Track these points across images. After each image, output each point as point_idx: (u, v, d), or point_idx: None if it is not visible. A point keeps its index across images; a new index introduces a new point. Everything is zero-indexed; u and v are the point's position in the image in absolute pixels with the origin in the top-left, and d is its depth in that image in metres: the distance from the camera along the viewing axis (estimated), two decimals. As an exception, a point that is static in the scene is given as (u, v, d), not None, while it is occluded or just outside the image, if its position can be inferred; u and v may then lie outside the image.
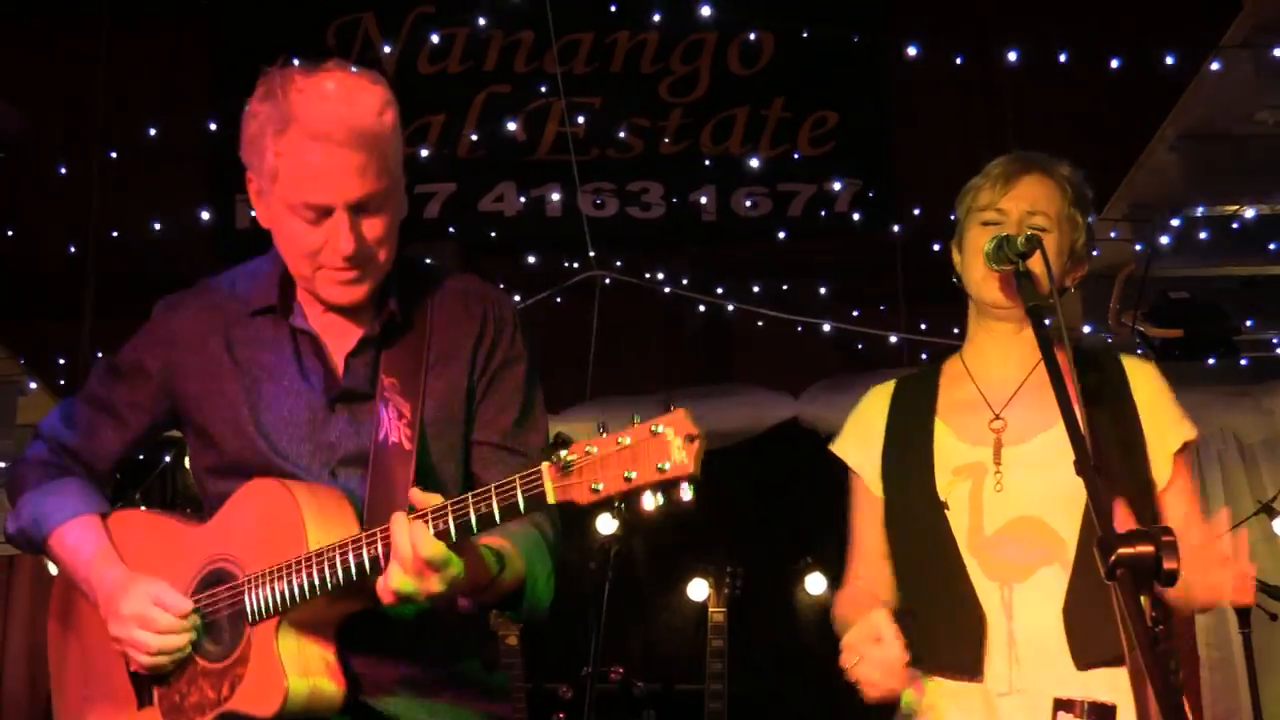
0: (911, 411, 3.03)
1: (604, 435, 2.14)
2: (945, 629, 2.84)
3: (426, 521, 2.29)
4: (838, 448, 3.12)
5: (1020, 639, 2.79)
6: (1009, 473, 2.86)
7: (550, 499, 2.18)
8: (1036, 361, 2.91)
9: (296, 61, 2.62)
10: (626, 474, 2.11)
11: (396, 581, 2.30)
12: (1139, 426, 2.89)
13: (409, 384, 2.64)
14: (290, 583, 2.45)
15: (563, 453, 2.16)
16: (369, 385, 2.65)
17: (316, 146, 2.48)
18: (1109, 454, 2.77)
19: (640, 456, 2.10)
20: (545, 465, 2.18)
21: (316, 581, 2.43)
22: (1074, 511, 2.80)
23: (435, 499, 2.32)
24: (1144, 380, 2.94)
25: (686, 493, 2.11)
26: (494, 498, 2.25)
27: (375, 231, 2.55)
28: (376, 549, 2.36)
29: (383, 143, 2.52)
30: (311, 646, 2.51)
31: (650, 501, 2.12)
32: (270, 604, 2.48)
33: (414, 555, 2.27)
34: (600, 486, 2.13)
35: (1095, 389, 2.87)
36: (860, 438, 3.08)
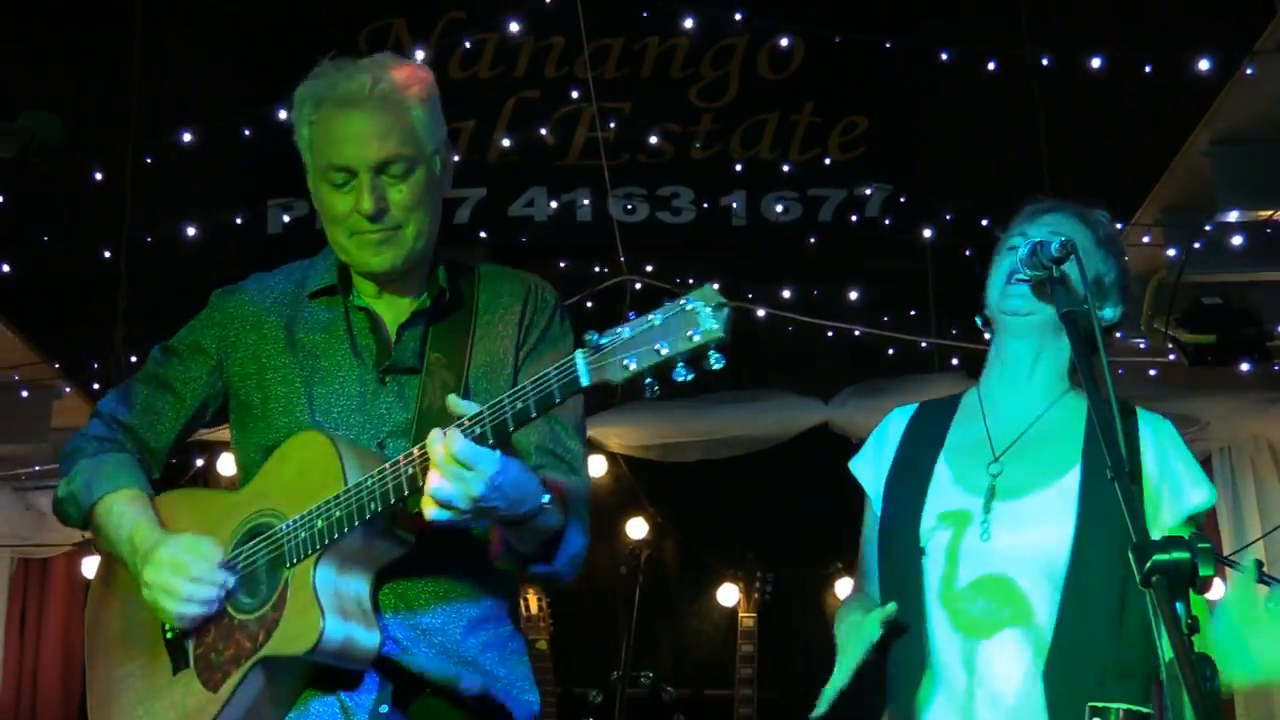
0: (921, 443, 3.01)
1: (635, 317, 2.19)
2: (900, 672, 2.84)
3: (463, 429, 2.34)
4: (855, 465, 3.12)
5: (980, 697, 2.73)
6: (999, 524, 2.81)
7: (584, 380, 2.22)
8: (1047, 406, 2.91)
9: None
10: (659, 346, 2.14)
11: (434, 483, 2.34)
12: (1141, 486, 2.76)
13: (454, 358, 2.73)
14: (330, 517, 2.50)
15: (594, 336, 2.21)
16: (417, 359, 2.74)
17: (342, 112, 2.65)
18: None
19: (671, 330, 2.15)
20: (578, 351, 2.23)
21: (354, 512, 2.47)
22: (1050, 576, 2.75)
23: (472, 407, 2.37)
24: (1159, 436, 2.85)
25: (717, 361, 2.13)
26: (530, 391, 2.29)
27: (400, 197, 2.67)
28: (415, 466, 2.41)
29: (407, 111, 2.68)
30: (349, 589, 2.55)
31: (682, 373, 2.14)
32: (309, 544, 2.52)
33: (445, 454, 2.31)
34: (632, 363, 2.16)
35: (1100, 452, 2.82)
36: (874, 459, 3.08)
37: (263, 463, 2.73)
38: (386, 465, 2.47)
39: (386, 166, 2.65)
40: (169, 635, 2.72)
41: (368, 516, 2.47)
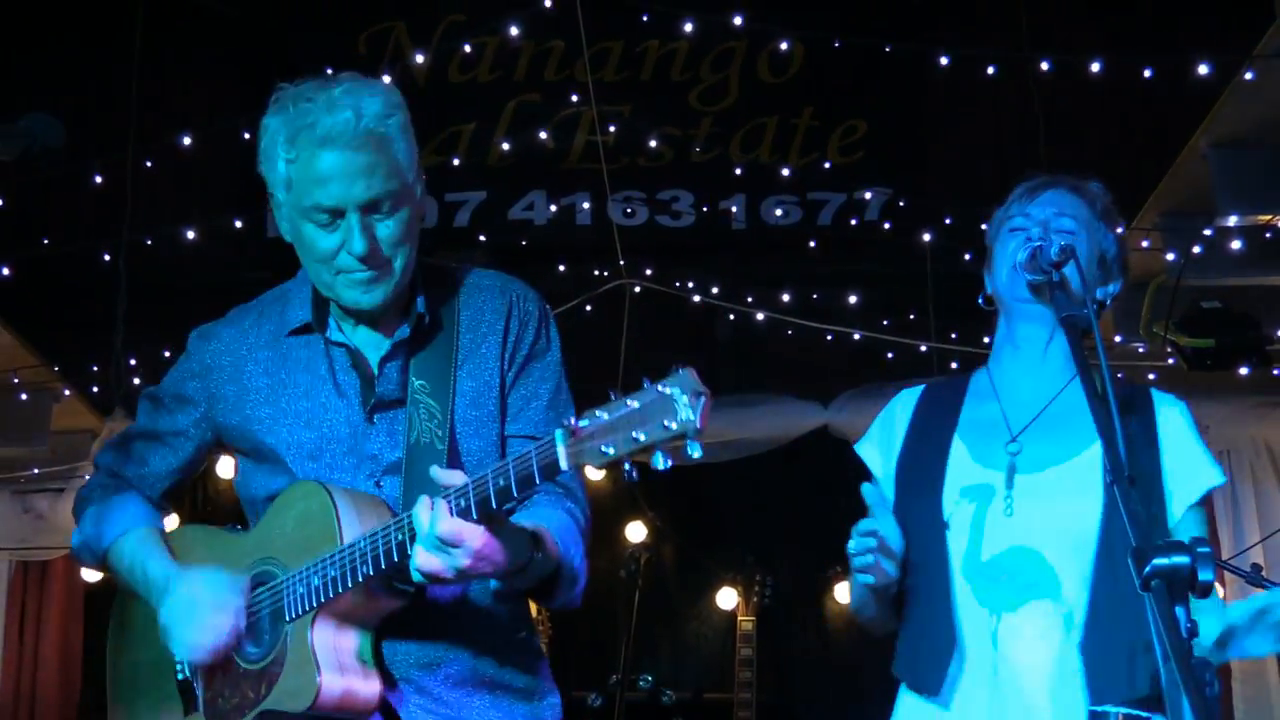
0: (933, 423, 3.01)
1: (614, 399, 2.17)
2: (923, 647, 2.83)
3: (449, 500, 2.33)
4: (861, 448, 3.11)
5: (1003, 671, 2.74)
6: (1022, 499, 2.82)
7: (563, 464, 2.20)
8: (1061, 387, 2.91)
9: (330, 71, 2.68)
10: (635, 434, 2.12)
11: (421, 559, 2.35)
12: (1159, 467, 2.81)
13: (439, 385, 2.68)
14: (325, 575, 2.49)
15: (572, 419, 2.19)
16: (401, 390, 2.69)
17: (324, 150, 2.54)
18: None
19: (649, 417, 2.12)
20: (557, 432, 2.21)
21: (348, 572, 2.47)
22: (1079, 550, 2.76)
23: (458, 478, 2.36)
24: (1173, 419, 2.88)
25: (695, 450, 2.12)
26: (510, 469, 2.27)
27: (389, 233, 2.60)
28: (404, 534, 2.40)
29: (390, 144, 2.58)
30: (346, 644, 2.55)
31: (660, 461, 2.13)
32: (306, 600, 2.52)
33: (429, 533, 2.32)
34: (611, 449, 2.14)
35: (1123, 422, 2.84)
36: (882, 441, 3.07)
37: (264, 506, 2.73)
38: (378, 528, 2.45)
39: (375, 205, 2.57)
40: (180, 677, 2.75)
41: (360, 579, 2.46)
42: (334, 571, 2.48)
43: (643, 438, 2.12)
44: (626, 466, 2.16)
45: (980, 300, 3.06)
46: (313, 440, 2.69)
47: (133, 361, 6.45)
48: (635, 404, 2.14)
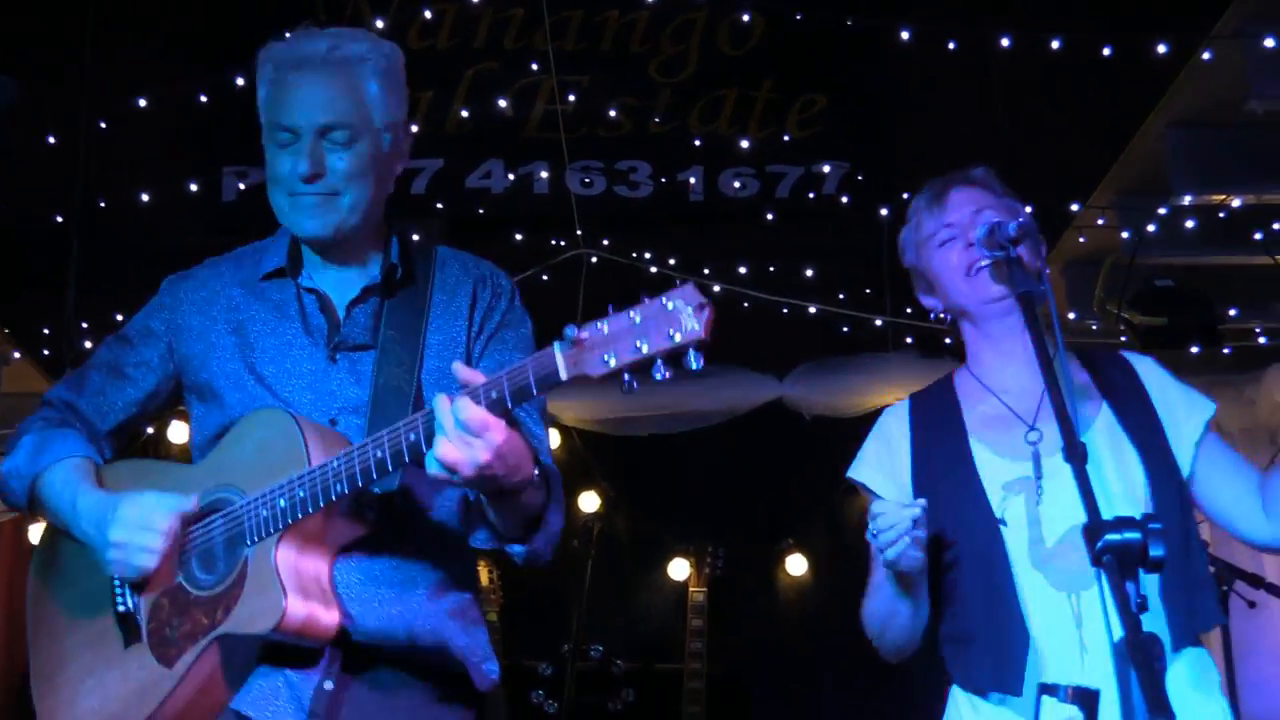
0: (939, 431, 3.00)
1: (612, 313, 2.18)
2: (998, 646, 2.80)
3: (471, 394, 2.33)
4: (858, 473, 3.07)
5: (1092, 645, 2.74)
6: (1051, 481, 2.84)
7: (563, 375, 2.21)
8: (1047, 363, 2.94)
9: (287, 35, 2.78)
10: (638, 344, 2.13)
11: (443, 449, 2.32)
12: (1157, 419, 2.88)
13: (409, 336, 2.71)
14: (293, 496, 2.48)
15: (574, 331, 2.19)
16: (370, 335, 2.73)
17: (295, 73, 2.68)
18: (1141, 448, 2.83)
19: (651, 328, 2.13)
20: (556, 344, 2.22)
21: (319, 493, 2.46)
22: (1133, 506, 2.78)
23: (478, 376, 2.35)
24: (1150, 371, 2.96)
25: (696, 360, 2.12)
26: (505, 381, 2.28)
27: (343, 164, 2.67)
28: (419, 432, 2.38)
29: (360, 80, 2.69)
30: (309, 569, 2.54)
31: (660, 373, 2.14)
32: (270, 523, 2.50)
33: (454, 422, 2.31)
34: (612, 359, 2.15)
35: (1113, 388, 2.89)
36: (883, 461, 3.04)
37: (215, 443, 2.71)
38: (353, 447, 2.45)
39: (329, 132, 2.66)
40: (120, 608, 2.70)
41: (333, 498, 2.45)
42: (303, 493, 2.47)
43: (646, 348, 2.13)
44: (626, 377, 2.16)
45: (933, 318, 3.09)
46: (273, 374, 2.71)
47: (84, 325, 6.39)
48: (637, 316, 2.15)
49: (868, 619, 3.01)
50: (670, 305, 2.13)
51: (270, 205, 2.77)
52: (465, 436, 2.31)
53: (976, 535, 2.85)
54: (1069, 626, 2.77)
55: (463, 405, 2.31)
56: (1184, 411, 2.91)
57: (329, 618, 2.53)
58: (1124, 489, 2.79)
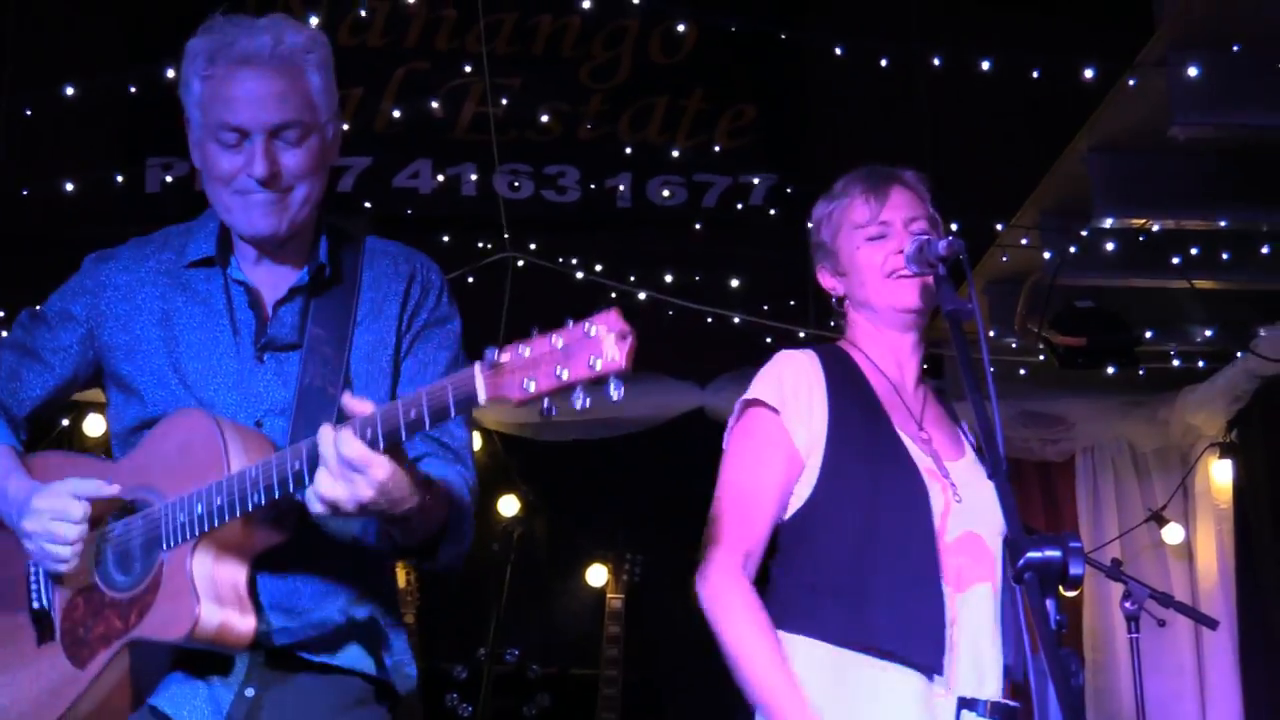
0: (853, 394, 2.95)
1: (535, 336, 2.15)
2: (918, 621, 2.78)
3: (354, 430, 2.28)
4: (761, 392, 2.98)
5: (959, 646, 2.78)
6: (958, 484, 2.87)
7: (481, 398, 2.16)
8: (928, 384, 2.98)
9: None
10: (559, 371, 2.10)
11: (323, 486, 2.28)
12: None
13: (336, 335, 2.67)
14: (210, 503, 2.43)
15: (494, 353, 2.16)
16: (297, 334, 2.68)
17: (240, 70, 2.58)
18: None
19: (573, 355, 2.10)
20: (476, 365, 2.17)
21: (236, 501, 2.40)
22: (994, 539, 2.84)
23: (367, 407, 2.30)
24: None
25: (616, 389, 2.09)
26: (424, 401, 2.22)
27: (294, 162, 2.62)
28: (303, 462, 2.34)
29: (305, 76, 2.63)
30: (225, 576, 2.49)
31: (580, 400, 2.11)
32: (187, 527, 2.45)
33: (336, 456, 2.26)
34: (532, 384, 2.12)
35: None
36: (800, 398, 2.94)
37: (137, 437, 2.67)
38: (273, 456, 2.40)
39: (281, 131, 2.60)
40: (35, 605, 2.65)
41: (249, 508, 2.41)
42: (220, 500, 2.42)
43: (566, 375, 2.09)
44: (545, 403, 2.13)
45: (835, 303, 3.09)
46: (197, 371, 2.66)
47: (1, 314, 6.29)
48: (559, 341, 2.11)
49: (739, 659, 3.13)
50: (593, 331, 2.09)
51: (203, 198, 2.71)
52: (347, 473, 2.27)
53: (902, 504, 2.83)
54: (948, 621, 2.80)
55: (345, 440, 2.26)
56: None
57: (244, 625, 2.49)
58: (992, 521, 2.83)
